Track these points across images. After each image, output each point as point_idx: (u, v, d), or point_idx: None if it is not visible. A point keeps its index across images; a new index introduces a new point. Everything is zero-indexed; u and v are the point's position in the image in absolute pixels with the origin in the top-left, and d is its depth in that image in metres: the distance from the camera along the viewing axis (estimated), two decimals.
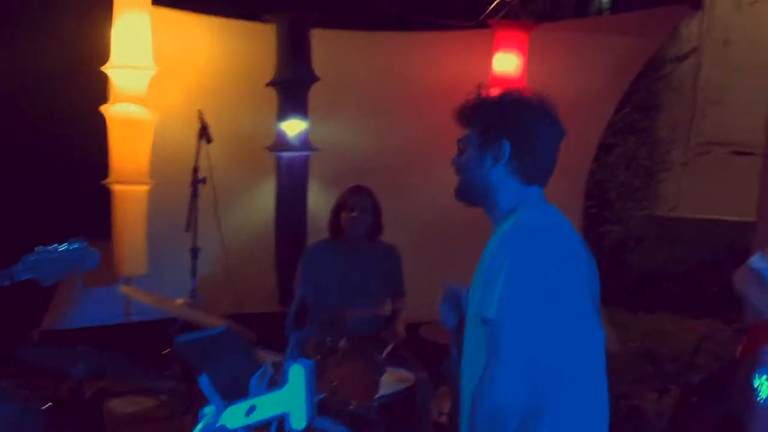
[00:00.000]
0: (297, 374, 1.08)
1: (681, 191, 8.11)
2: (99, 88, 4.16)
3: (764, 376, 2.60)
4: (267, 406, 1.07)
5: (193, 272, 3.98)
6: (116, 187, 4.19)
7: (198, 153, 3.90)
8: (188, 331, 3.12)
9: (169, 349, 3.01)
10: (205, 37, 4.59)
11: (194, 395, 3.50)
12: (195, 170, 3.94)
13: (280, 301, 4.57)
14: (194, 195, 3.94)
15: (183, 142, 4.21)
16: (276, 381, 1.09)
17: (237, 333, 1.36)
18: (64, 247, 2.27)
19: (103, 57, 4.05)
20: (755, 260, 2.61)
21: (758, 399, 2.60)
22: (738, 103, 7.75)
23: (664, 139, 7.96)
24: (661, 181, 7.85)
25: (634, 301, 7.32)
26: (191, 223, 3.92)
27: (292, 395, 1.07)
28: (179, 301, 3.06)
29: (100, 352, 4.30)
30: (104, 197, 4.21)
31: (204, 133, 3.89)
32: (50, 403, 3.06)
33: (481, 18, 4.44)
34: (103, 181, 4.15)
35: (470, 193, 1.81)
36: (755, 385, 2.59)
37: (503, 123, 1.76)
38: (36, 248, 2.32)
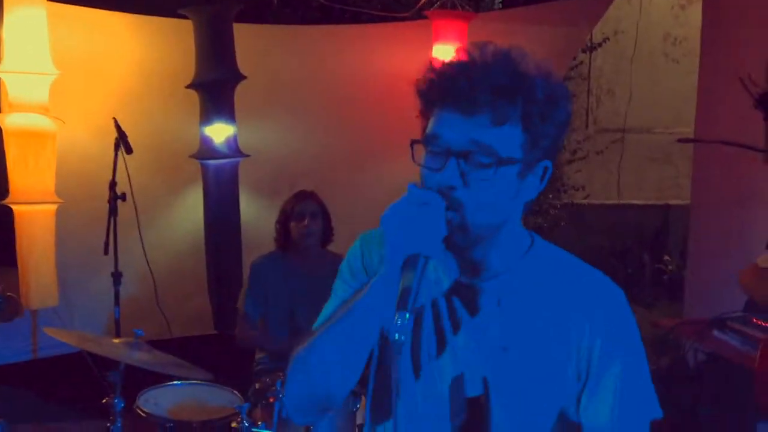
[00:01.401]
0: None
1: (591, 179, 8.29)
2: None
3: None
4: None
5: (116, 300, 3.60)
6: (18, 209, 3.72)
7: (115, 165, 3.53)
8: (127, 373, 2.73)
9: (106, 398, 2.60)
10: (113, 36, 4.16)
11: None
12: (112, 185, 3.57)
13: (215, 323, 4.22)
14: (112, 213, 3.58)
15: (93, 155, 3.88)
16: None
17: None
18: None
19: None
20: (764, 260, 2.50)
21: None
22: (627, 91, 8.03)
23: (576, 128, 8.11)
24: (579, 171, 7.96)
25: None
26: (110, 245, 3.56)
27: None
28: (116, 340, 2.66)
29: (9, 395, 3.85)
30: (6, 219, 3.74)
31: (123, 143, 3.51)
32: None
33: (417, 8, 4.22)
34: (2, 201, 3.68)
35: (479, 236, 1.20)
36: None
37: (557, 121, 1.18)
38: None
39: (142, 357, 2.55)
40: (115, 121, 3.53)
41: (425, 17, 4.22)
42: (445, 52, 4.09)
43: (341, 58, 4.42)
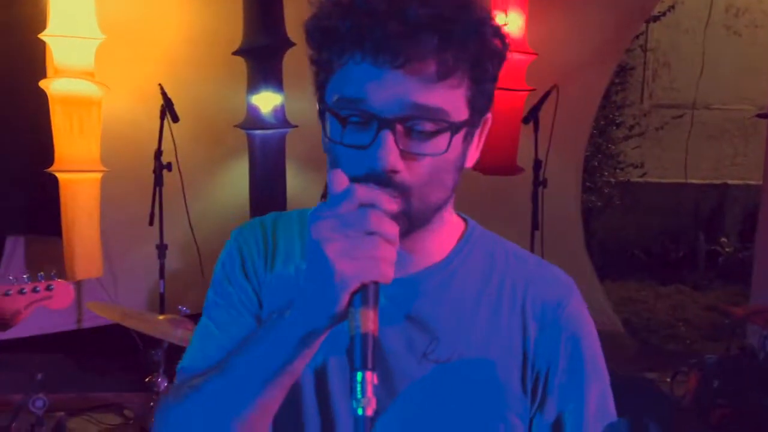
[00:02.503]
0: None
1: (648, 156, 8.00)
2: (37, 60, 3.64)
3: None
4: None
5: (162, 273, 3.56)
6: (63, 177, 3.67)
7: (161, 134, 3.50)
8: (172, 351, 2.67)
9: (150, 377, 2.53)
10: (160, 1, 4.09)
11: None
12: (158, 154, 3.55)
13: None
14: (158, 183, 3.56)
15: (139, 122, 3.81)
16: None
17: None
18: (26, 281, 1.80)
19: (41, 23, 3.52)
20: None
21: None
22: (687, 64, 7.69)
23: (632, 103, 7.83)
24: (636, 147, 7.68)
25: (600, 269, 7.22)
26: (155, 216, 3.51)
27: None
28: (161, 317, 2.56)
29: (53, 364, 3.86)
30: (50, 187, 3.68)
31: (169, 111, 3.44)
32: None
33: None
34: (47, 169, 3.62)
35: (423, 222, 0.93)
36: None
37: (495, 74, 0.92)
38: None
39: (185, 335, 2.45)
40: (161, 88, 3.47)
41: None
42: (506, 19, 3.88)
43: None
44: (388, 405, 0.94)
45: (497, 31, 0.90)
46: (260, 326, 0.97)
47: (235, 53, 3.94)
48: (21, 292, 1.90)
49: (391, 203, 0.83)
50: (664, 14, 7.27)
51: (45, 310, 4.00)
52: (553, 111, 3.26)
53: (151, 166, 3.52)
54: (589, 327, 1.00)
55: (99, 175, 3.71)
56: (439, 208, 0.93)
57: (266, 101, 3.95)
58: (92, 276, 3.79)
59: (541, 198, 3.33)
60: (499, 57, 0.91)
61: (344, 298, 0.79)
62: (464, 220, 1.05)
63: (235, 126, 4.01)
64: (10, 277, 1.94)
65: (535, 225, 3.35)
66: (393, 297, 0.94)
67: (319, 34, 0.90)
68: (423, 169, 0.87)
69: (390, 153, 0.84)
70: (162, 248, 3.58)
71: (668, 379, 4.15)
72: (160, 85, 3.46)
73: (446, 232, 1.01)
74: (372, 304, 0.78)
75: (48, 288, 1.94)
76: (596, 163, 6.97)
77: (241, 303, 1.01)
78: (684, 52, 7.81)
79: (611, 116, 7.24)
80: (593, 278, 5.29)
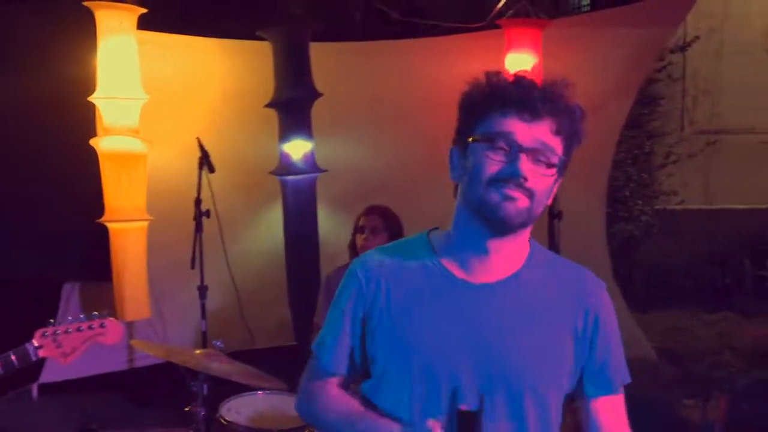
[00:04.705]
0: None
1: (682, 183, 7.96)
2: (87, 120, 3.90)
3: None
4: None
5: (203, 313, 3.76)
6: (113, 226, 3.92)
7: (199, 184, 3.72)
8: (207, 379, 2.84)
9: (189, 406, 2.72)
10: (196, 60, 4.35)
11: None
12: (197, 202, 3.76)
13: (295, 334, 4.31)
14: (198, 229, 3.77)
15: (180, 173, 4.03)
16: None
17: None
18: (83, 319, 2.03)
19: (90, 87, 3.79)
20: None
21: None
22: (728, 89, 7.66)
23: (667, 131, 7.83)
24: (671, 175, 7.68)
25: (645, 299, 7.16)
26: (196, 259, 3.72)
27: None
28: (197, 352, 2.77)
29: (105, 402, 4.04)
30: (101, 236, 3.94)
31: (205, 162, 3.67)
32: None
33: (489, 18, 4.20)
34: (99, 220, 3.88)
35: (525, 226, 1.42)
36: None
37: (579, 133, 1.41)
38: (49, 321, 2.10)
39: (220, 367, 2.65)
40: (199, 141, 3.69)
41: (498, 26, 4.20)
42: (518, 60, 4.06)
43: (415, 72, 4.44)
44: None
45: (580, 112, 1.41)
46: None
47: (266, 106, 4.18)
48: (79, 330, 2.13)
49: None
50: (689, 44, 7.32)
51: (102, 351, 4.25)
52: None
53: (193, 214, 3.74)
54: (612, 312, 1.49)
55: (145, 224, 3.94)
56: (535, 220, 1.39)
57: (297, 149, 4.17)
58: (141, 317, 4.02)
59: (558, 230, 3.46)
60: (581, 126, 1.41)
61: None
62: (530, 242, 1.49)
63: (269, 173, 4.23)
64: (69, 318, 2.17)
65: None
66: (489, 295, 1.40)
67: (490, 97, 1.40)
68: (540, 185, 1.35)
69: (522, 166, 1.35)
70: (203, 289, 3.77)
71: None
72: (197, 138, 3.69)
73: (522, 248, 1.46)
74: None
75: (101, 326, 2.16)
76: (628, 193, 6.98)
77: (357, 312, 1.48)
78: (724, 77, 7.81)
79: (644, 146, 7.26)
80: (622, 307, 5.28)
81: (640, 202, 7.20)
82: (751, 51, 7.81)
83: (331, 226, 4.43)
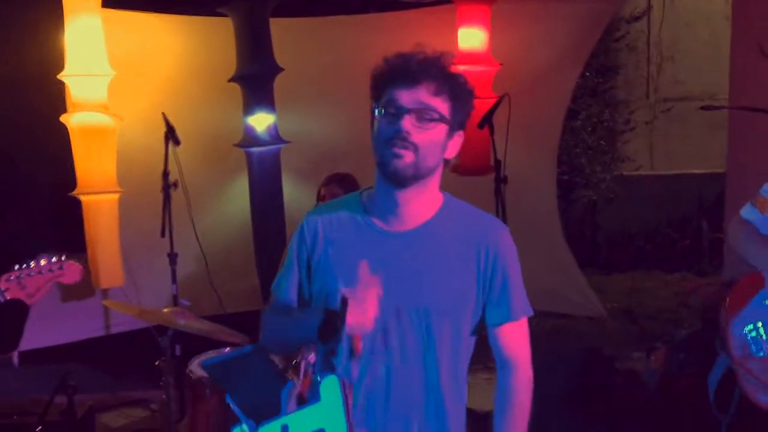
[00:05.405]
0: (331, 387, 1.04)
1: (645, 150, 8.20)
2: (59, 97, 4.04)
3: (752, 326, 2.60)
4: (301, 423, 1.03)
5: (173, 278, 3.95)
6: (85, 198, 4.09)
7: (166, 156, 3.85)
8: (179, 339, 3.07)
9: (160, 360, 2.94)
10: (160, 37, 4.48)
11: (186, 402, 3.48)
12: (165, 175, 3.90)
13: (263, 299, 4.52)
14: (167, 200, 3.91)
15: (149, 146, 4.16)
16: (303, 396, 1.05)
17: (264, 350, 1.40)
18: (43, 262, 2.24)
19: (60, 64, 3.92)
20: (746, 211, 2.56)
21: (751, 350, 2.60)
22: (690, 58, 7.86)
23: (625, 100, 8.05)
24: (627, 142, 7.93)
25: (608, 262, 7.42)
26: (166, 228, 3.88)
27: (327, 410, 1.03)
28: (165, 309, 2.99)
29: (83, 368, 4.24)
30: (74, 209, 4.10)
31: (171, 136, 3.83)
32: (40, 427, 3.02)
33: None
34: (71, 193, 4.04)
35: (421, 175, 1.64)
36: (746, 337, 2.59)
37: (469, 97, 1.68)
38: (14, 267, 2.29)
39: (187, 324, 2.86)
40: (164, 116, 3.82)
41: (451, 2, 4.38)
42: (469, 35, 4.25)
43: (371, 46, 4.55)
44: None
45: (462, 77, 1.66)
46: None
47: (230, 80, 4.34)
48: (40, 272, 2.31)
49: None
50: (643, 15, 7.51)
51: (79, 318, 4.38)
52: (507, 116, 3.63)
53: (161, 186, 3.88)
54: (512, 252, 1.74)
55: (116, 196, 4.11)
56: (430, 171, 1.61)
57: (260, 121, 4.34)
58: (115, 285, 4.19)
59: (504, 192, 3.70)
60: (465, 88, 1.65)
61: None
62: (444, 195, 1.73)
63: (234, 145, 4.40)
64: (31, 263, 2.34)
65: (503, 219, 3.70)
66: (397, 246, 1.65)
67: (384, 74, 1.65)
68: (426, 138, 1.59)
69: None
70: (173, 256, 3.94)
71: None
72: (163, 113, 3.82)
73: (432, 198, 1.69)
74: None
75: (60, 267, 2.34)
76: (584, 160, 7.21)
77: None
78: (686, 45, 8.00)
79: (602, 114, 7.47)
80: (574, 267, 5.52)
81: (599, 168, 7.45)
82: (713, 17, 8.00)
83: (296, 195, 4.61)
